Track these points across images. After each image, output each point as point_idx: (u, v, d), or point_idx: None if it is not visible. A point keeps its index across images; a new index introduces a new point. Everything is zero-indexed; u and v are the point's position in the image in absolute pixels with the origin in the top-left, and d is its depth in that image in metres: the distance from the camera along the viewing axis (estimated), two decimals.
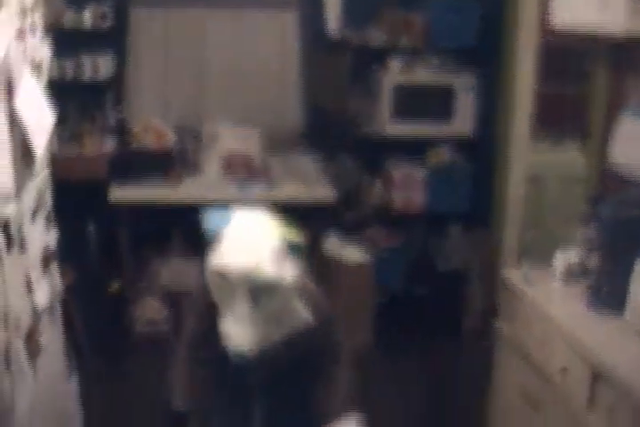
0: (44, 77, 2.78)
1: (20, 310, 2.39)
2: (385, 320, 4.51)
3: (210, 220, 2.25)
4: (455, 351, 4.67)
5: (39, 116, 2.60)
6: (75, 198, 4.27)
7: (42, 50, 2.78)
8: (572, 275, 3.10)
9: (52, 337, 2.94)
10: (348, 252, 4.58)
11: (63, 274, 3.03)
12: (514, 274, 3.27)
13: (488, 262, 4.70)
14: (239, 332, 2.02)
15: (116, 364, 4.35)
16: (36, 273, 2.62)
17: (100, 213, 4.63)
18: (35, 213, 2.65)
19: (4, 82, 2.26)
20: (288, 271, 2.13)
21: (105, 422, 3.78)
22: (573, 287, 3.07)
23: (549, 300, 3.05)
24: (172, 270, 4.76)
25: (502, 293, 3.33)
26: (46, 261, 2.80)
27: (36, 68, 2.66)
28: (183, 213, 4.58)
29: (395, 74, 4.77)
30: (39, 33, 2.75)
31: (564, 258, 3.11)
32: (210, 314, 2.14)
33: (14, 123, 2.36)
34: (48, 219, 2.89)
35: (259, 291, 2.01)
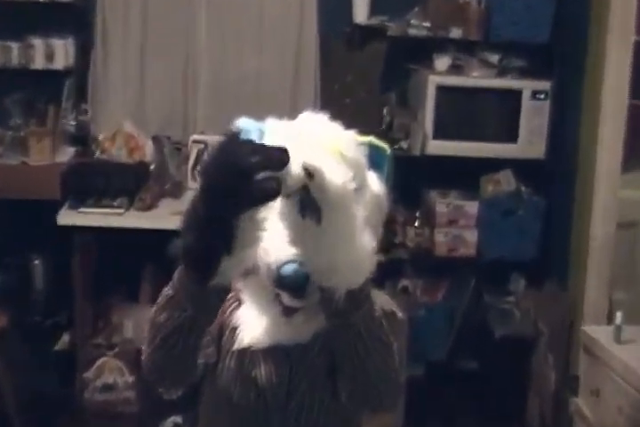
0: None
1: None
2: (422, 400, 3.79)
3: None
4: None
5: None
6: (16, 221, 4.03)
7: None
8: None
9: None
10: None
11: None
12: (600, 332, 2.74)
13: (561, 327, 3.88)
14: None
15: None
16: None
17: (49, 242, 4.07)
18: None
19: None
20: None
21: None
22: None
23: None
24: (139, 321, 3.97)
25: (583, 359, 2.69)
26: None
27: None
28: (156, 245, 3.92)
29: (441, 74, 4.11)
30: None
31: None
32: None
33: None
34: None
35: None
